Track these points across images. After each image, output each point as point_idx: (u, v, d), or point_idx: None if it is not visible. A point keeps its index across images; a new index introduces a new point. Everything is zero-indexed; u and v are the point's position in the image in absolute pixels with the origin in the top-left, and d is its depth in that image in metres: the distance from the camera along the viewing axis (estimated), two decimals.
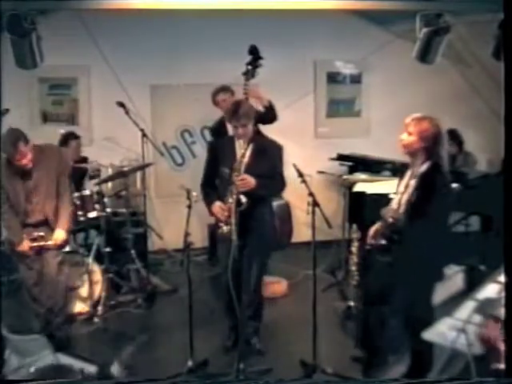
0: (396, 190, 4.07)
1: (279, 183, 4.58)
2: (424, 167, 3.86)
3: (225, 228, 4.40)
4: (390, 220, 3.87)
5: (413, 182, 3.87)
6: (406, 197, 3.89)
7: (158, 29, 6.56)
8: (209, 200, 4.50)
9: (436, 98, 6.84)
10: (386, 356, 4.18)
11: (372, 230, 4.10)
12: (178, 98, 7.07)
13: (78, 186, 5.90)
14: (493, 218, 5.88)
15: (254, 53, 5.02)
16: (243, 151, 4.39)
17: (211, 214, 4.51)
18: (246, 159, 4.41)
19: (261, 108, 5.47)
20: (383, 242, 3.95)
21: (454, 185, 4.93)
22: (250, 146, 4.45)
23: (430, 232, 3.76)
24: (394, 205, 3.99)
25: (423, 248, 3.75)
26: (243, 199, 4.29)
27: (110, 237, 5.68)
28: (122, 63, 6.80)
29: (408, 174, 3.98)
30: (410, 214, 3.79)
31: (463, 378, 3.45)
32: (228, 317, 4.74)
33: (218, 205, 4.43)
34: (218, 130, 5.79)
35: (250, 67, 4.99)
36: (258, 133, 4.87)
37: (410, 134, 3.88)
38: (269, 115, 5.54)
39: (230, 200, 4.34)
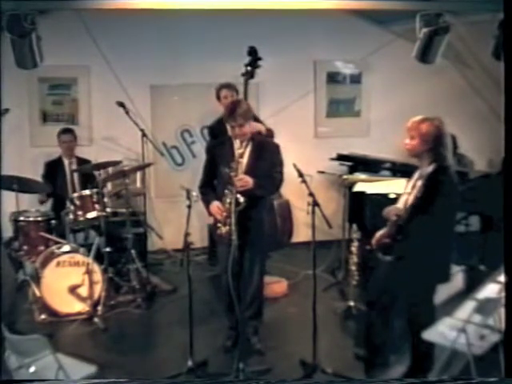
0: (404, 191, 4.07)
1: (277, 182, 4.58)
2: (430, 168, 3.85)
3: (223, 229, 4.39)
4: (394, 218, 3.86)
5: (419, 183, 3.87)
6: (412, 197, 3.88)
7: (157, 29, 6.55)
8: (207, 200, 4.50)
9: (436, 98, 6.83)
10: (388, 356, 4.19)
11: (378, 234, 4.07)
12: (178, 97, 7.07)
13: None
14: (493, 217, 5.88)
15: (253, 54, 5.03)
16: (241, 151, 4.39)
17: (209, 214, 4.51)
18: (244, 159, 4.42)
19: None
20: (386, 240, 3.94)
21: None
22: (249, 146, 4.46)
23: (437, 232, 3.76)
24: (399, 204, 3.99)
25: (430, 248, 3.75)
26: (241, 199, 4.29)
27: (109, 237, 5.68)
28: (121, 63, 6.79)
29: (416, 174, 3.98)
30: (416, 214, 3.78)
31: (466, 378, 3.46)
32: (228, 317, 4.74)
33: (215, 205, 4.42)
34: (217, 129, 5.80)
35: (249, 68, 5.00)
36: (256, 132, 4.87)
37: (412, 137, 3.86)
38: (268, 136, 5.56)
39: (228, 200, 4.34)
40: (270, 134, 5.63)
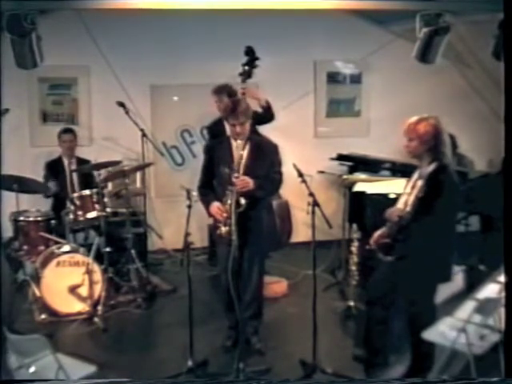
0: (403, 191, 4.07)
1: (276, 182, 4.58)
2: (431, 168, 3.85)
3: (223, 229, 4.39)
4: (397, 219, 3.85)
5: (420, 183, 3.87)
6: (412, 197, 3.88)
7: (157, 29, 6.55)
8: (206, 201, 4.50)
9: (436, 98, 6.83)
10: (388, 355, 4.19)
11: (376, 234, 4.08)
12: (178, 97, 7.07)
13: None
14: (493, 218, 5.88)
15: (250, 54, 5.04)
16: (241, 152, 4.39)
17: (209, 214, 4.51)
18: (243, 160, 4.41)
19: (258, 108, 5.49)
20: (387, 240, 3.94)
21: None
22: (248, 146, 4.46)
23: (439, 231, 3.76)
24: (399, 204, 3.99)
25: (432, 248, 3.75)
26: (242, 201, 4.29)
27: (109, 237, 5.68)
28: (121, 63, 6.79)
29: (415, 174, 3.99)
30: (418, 214, 3.78)
31: (467, 378, 3.46)
32: (228, 317, 4.74)
33: (216, 205, 4.42)
34: (216, 129, 5.80)
35: (246, 68, 5.01)
36: (253, 132, 4.87)
37: (410, 140, 3.87)
38: (266, 115, 5.57)
39: (229, 201, 4.33)
40: (268, 105, 5.62)
